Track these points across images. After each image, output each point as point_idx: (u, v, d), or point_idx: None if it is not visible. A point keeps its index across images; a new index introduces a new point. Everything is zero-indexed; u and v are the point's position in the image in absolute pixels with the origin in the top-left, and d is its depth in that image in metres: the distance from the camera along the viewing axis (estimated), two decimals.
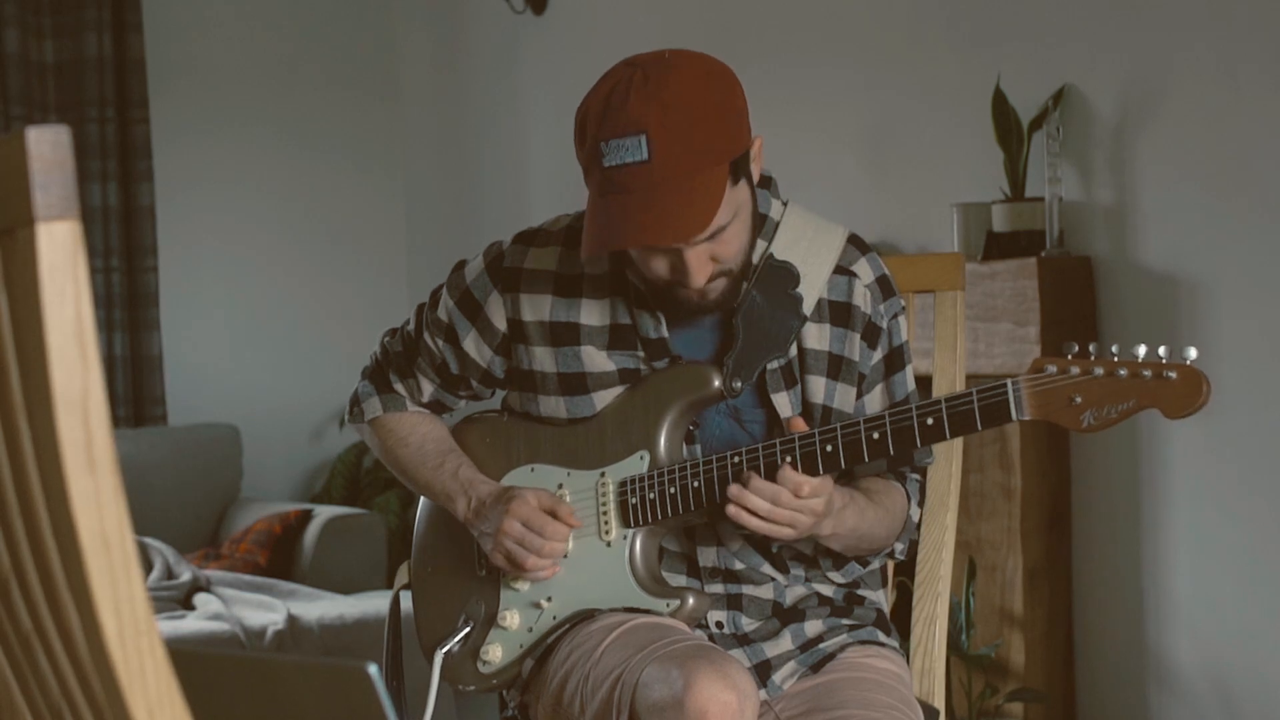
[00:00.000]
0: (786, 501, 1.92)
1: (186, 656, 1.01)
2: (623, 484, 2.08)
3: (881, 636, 2.14)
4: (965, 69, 3.81)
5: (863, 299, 2.09)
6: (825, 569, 2.12)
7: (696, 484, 2.02)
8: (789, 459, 1.95)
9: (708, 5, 4.60)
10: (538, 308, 2.12)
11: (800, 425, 1.98)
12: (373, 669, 1.03)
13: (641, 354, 2.08)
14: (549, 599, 2.12)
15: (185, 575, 4.40)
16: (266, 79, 5.68)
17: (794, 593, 2.11)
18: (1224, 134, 3.33)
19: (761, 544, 2.09)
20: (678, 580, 2.10)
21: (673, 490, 2.04)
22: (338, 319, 5.74)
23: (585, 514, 2.11)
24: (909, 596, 2.41)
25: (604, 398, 2.10)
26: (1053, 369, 1.89)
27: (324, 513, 4.78)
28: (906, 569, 2.60)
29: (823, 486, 1.93)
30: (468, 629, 2.16)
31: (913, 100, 3.99)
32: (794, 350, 2.06)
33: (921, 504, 2.18)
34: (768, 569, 2.09)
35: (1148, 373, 1.85)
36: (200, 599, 4.30)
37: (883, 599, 2.20)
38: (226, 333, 5.63)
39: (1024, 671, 3.56)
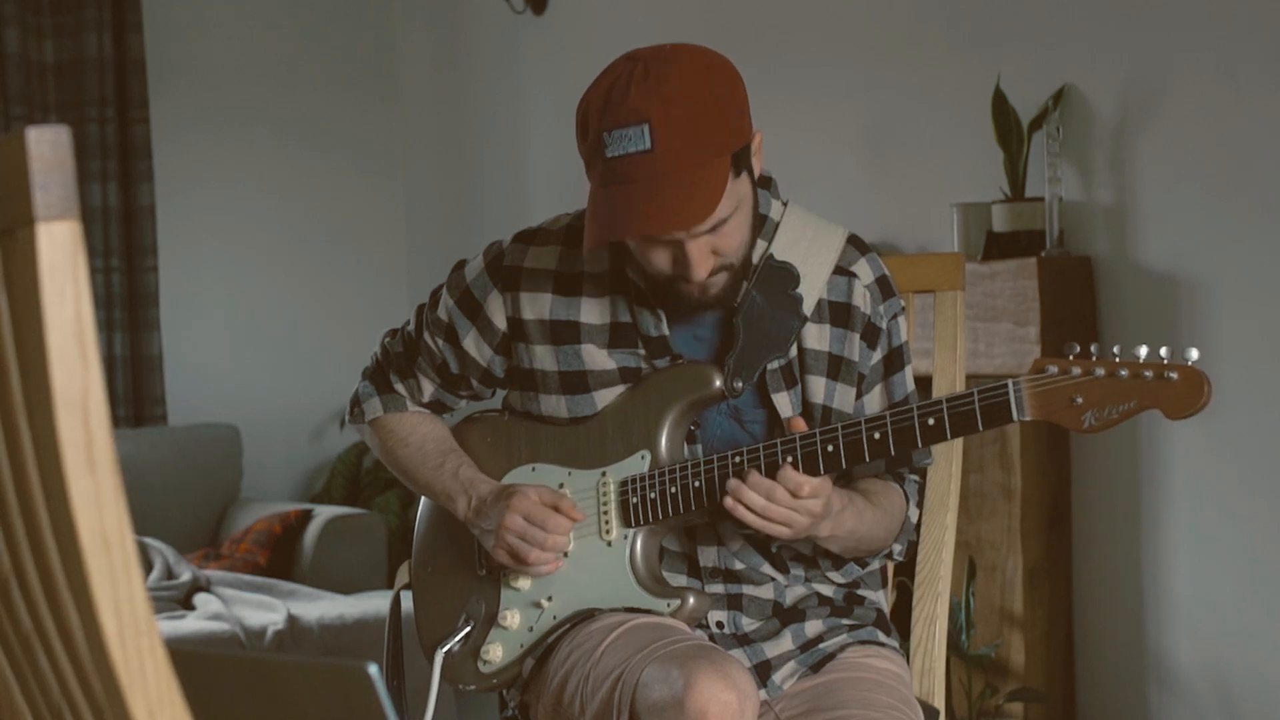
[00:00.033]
0: (782, 499, 1.92)
1: (186, 656, 1.01)
2: (624, 483, 2.08)
3: (881, 636, 2.14)
4: (965, 69, 3.80)
5: (862, 299, 2.10)
6: (825, 569, 2.12)
7: (697, 484, 2.02)
8: (790, 459, 1.96)
9: (708, 5, 4.60)
10: (538, 306, 2.12)
11: (801, 425, 1.98)
12: (373, 669, 1.03)
13: (642, 352, 2.08)
14: (549, 598, 2.12)
15: (185, 575, 4.40)
16: (266, 79, 5.68)
17: (794, 593, 2.11)
18: (1224, 134, 3.33)
19: (762, 544, 2.09)
20: (678, 580, 2.10)
21: (673, 490, 2.04)
22: (338, 319, 5.74)
23: (586, 513, 2.11)
24: (909, 596, 2.41)
25: (605, 396, 2.10)
26: (1054, 369, 1.89)
27: (324, 513, 4.77)
28: (906, 569, 2.60)
29: (822, 488, 1.93)
30: (468, 629, 2.16)
31: (913, 100, 3.99)
32: (794, 350, 2.06)
33: (920, 505, 2.18)
34: (768, 569, 2.09)
35: (1149, 373, 1.84)
36: (200, 599, 4.30)
37: (883, 599, 2.20)
38: (226, 333, 5.63)
39: (1024, 671, 3.56)
